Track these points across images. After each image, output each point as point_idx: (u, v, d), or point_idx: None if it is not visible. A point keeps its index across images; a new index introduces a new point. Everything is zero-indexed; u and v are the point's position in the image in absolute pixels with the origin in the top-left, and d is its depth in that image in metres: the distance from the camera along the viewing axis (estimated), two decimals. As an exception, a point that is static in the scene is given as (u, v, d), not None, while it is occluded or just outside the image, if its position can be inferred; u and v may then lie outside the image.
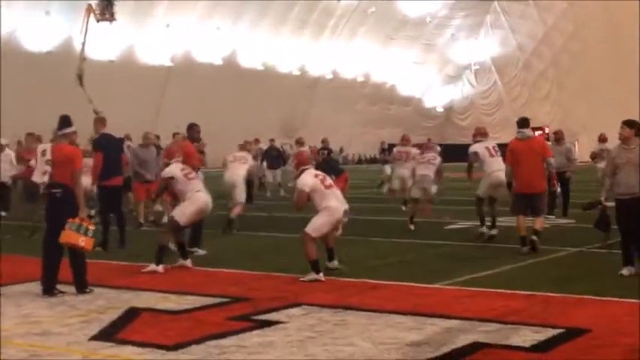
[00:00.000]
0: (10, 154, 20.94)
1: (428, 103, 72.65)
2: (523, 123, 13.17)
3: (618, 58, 61.83)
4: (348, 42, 59.89)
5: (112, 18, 38.54)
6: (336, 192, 11.04)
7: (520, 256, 12.26)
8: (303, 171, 11.09)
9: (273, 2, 51.84)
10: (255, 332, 7.57)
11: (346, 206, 11.07)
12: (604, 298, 9.04)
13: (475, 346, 6.97)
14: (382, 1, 58.66)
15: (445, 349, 6.88)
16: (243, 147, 19.06)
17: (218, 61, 50.94)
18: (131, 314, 8.45)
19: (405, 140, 20.94)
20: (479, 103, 73.95)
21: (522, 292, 9.36)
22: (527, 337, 7.25)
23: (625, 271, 10.25)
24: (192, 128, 13.84)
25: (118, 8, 38.88)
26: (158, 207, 18.43)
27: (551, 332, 7.39)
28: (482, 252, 13.11)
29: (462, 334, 7.36)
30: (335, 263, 11.13)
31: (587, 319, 7.94)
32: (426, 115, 71.93)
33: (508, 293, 9.39)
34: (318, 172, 11.26)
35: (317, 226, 10.62)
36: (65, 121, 10.11)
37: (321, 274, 10.37)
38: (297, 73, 57.40)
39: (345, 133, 59.90)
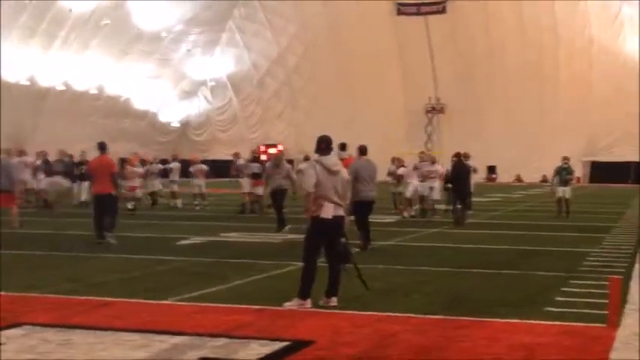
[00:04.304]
0: None
1: (163, 118, 72.14)
2: (344, 147, 18.36)
3: (345, 76, 65.09)
4: (81, 53, 58.18)
5: None
6: None
7: (249, 272, 12.46)
8: None
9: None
10: (-31, 356, 7.10)
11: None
12: (327, 311, 9.39)
13: (202, 362, 6.97)
14: (116, 14, 57.59)
15: (172, 366, 6.83)
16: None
17: None
18: None
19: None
20: (215, 119, 74.56)
21: (252, 307, 9.50)
22: (254, 350, 7.36)
23: (293, 303, 9.63)
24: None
25: None
26: None
27: (277, 345, 7.55)
28: (212, 268, 13.17)
29: (190, 350, 7.33)
30: None
31: (311, 331, 8.20)
32: (162, 130, 71.41)
33: (238, 308, 9.49)
34: None
35: None
36: None
37: None
38: (25, 83, 54.93)
39: (79, 146, 57.97)
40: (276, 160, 21.03)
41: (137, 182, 27.48)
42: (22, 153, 21.03)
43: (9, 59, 52.13)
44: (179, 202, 28.74)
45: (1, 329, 8.10)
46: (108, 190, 16.90)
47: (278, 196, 20.15)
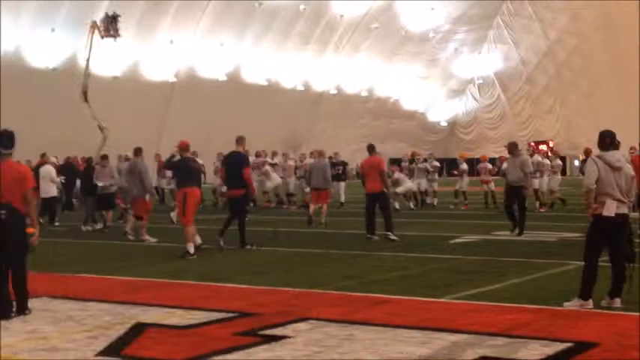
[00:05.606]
0: (51, 170, 23.18)
1: (431, 118, 72.72)
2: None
3: (619, 72, 61.91)
4: (352, 57, 59.99)
5: (116, 34, 38.60)
6: None
7: (525, 270, 12.24)
8: None
9: (277, 18, 52.01)
10: (262, 347, 7.52)
11: None
12: (611, 312, 9.01)
13: (483, 360, 6.94)
14: (385, 17, 58.81)
15: (453, 364, 6.86)
16: None
17: (222, 77, 50.98)
18: (137, 330, 8.41)
19: None
20: (483, 117, 73.99)
21: (529, 306, 9.32)
22: (535, 351, 7.21)
23: (574, 303, 9.32)
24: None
25: (122, 24, 38.95)
26: None
27: (559, 346, 7.34)
28: (487, 266, 13.06)
29: (470, 348, 7.32)
30: None
31: (595, 333, 7.91)
32: (430, 130, 71.99)
33: (515, 307, 9.34)
34: None
35: None
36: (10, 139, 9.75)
37: None
38: (301, 88, 57.49)
39: (350, 147, 59.93)
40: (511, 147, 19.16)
41: (489, 177, 28.51)
42: (320, 154, 22.67)
43: (286, 66, 54.86)
44: (435, 201, 29.08)
45: (289, 323, 8.56)
46: (379, 188, 17.66)
47: (512, 192, 18.16)
